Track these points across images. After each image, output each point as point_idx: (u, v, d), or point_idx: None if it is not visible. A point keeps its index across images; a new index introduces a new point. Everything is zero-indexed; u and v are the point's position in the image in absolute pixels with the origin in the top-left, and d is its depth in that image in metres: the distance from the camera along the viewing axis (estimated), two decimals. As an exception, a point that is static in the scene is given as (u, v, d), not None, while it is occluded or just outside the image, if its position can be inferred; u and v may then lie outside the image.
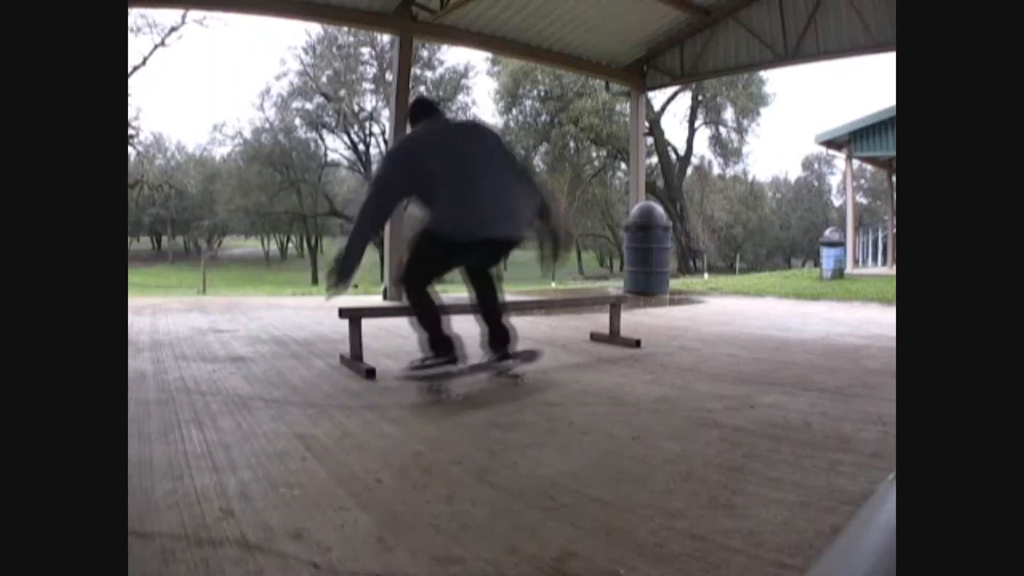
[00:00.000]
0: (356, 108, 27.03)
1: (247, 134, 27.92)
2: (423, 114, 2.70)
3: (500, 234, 2.49)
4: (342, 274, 2.44)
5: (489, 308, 2.70)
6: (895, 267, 11.19)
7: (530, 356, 2.78)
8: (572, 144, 26.30)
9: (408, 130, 2.77)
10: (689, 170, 27.30)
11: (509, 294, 3.09)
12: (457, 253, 2.53)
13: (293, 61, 29.87)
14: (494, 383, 2.68)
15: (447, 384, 2.50)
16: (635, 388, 2.62)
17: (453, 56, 27.99)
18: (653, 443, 1.87)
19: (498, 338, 2.69)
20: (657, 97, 22.84)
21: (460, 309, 2.76)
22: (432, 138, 2.58)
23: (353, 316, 3.03)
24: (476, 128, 2.76)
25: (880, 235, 14.16)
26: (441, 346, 2.51)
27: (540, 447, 1.84)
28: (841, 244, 10.94)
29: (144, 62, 22.27)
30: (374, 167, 27.18)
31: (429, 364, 2.48)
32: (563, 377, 2.86)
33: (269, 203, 27.57)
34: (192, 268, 28.15)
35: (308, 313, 5.40)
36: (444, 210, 2.43)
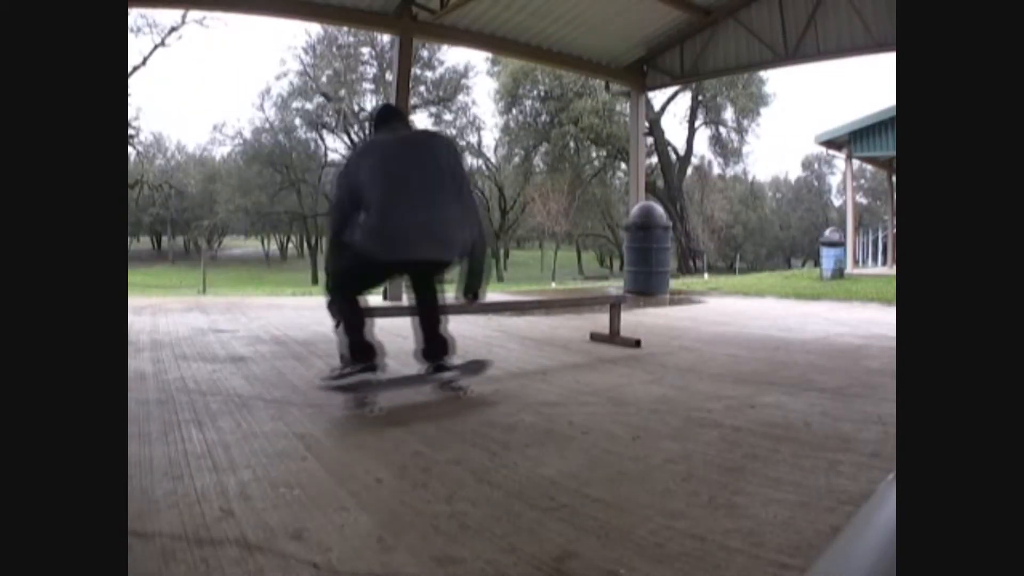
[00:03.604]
0: (356, 108, 27.03)
1: (247, 134, 27.96)
2: (381, 122, 2.59)
3: (426, 256, 2.38)
4: (332, 276, 2.44)
5: (425, 317, 2.57)
6: (895, 267, 11.19)
7: (476, 367, 2.65)
8: (572, 144, 26.29)
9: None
10: (689, 170, 27.28)
11: (509, 294, 3.08)
12: (381, 272, 2.55)
13: (293, 61, 29.84)
14: (437, 395, 2.53)
15: (372, 395, 2.33)
16: (635, 388, 2.62)
17: (453, 56, 27.98)
18: (653, 443, 1.87)
19: (434, 349, 2.55)
20: (657, 97, 22.84)
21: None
22: (370, 152, 2.50)
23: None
24: (426, 142, 2.56)
25: (880, 235, 14.15)
26: (361, 353, 2.37)
27: (540, 447, 1.84)
28: (841, 244, 10.94)
29: (144, 62, 22.28)
30: (374, 167, 27.19)
31: (348, 372, 2.35)
32: (563, 377, 2.86)
33: (269, 203, 27.58)
34: (192, 268, 28.15)
35: (308, 313, 5.40)
36: (369, 228, 2.31)
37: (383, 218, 2.30)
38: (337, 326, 2.43)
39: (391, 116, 2.64)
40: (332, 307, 2.44)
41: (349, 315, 2.41)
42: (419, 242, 2.34)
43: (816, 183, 37.48)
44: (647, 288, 6.87)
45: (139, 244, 37.44)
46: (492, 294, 8.57)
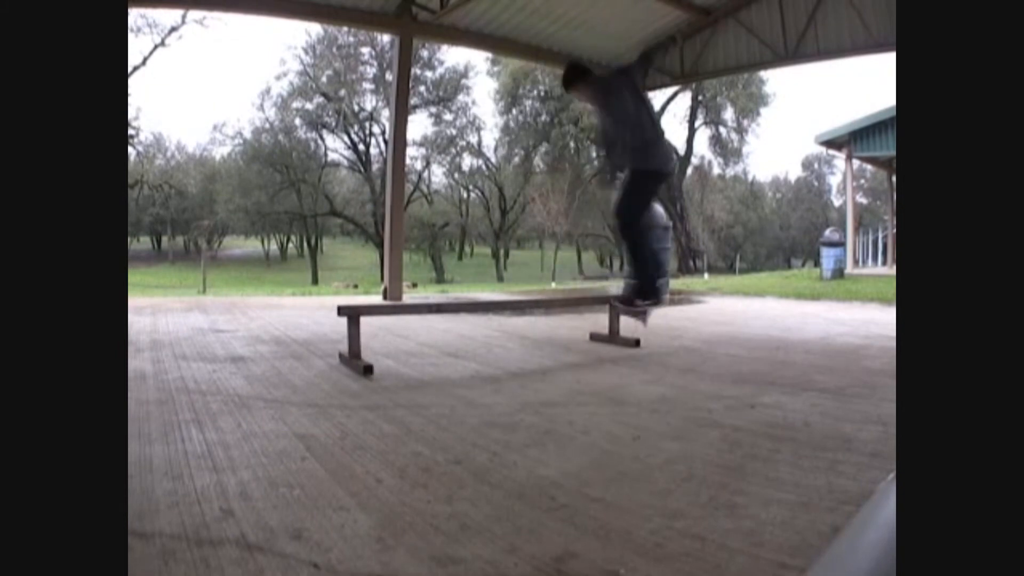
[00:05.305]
0: (356, 108, 27.03)
1: (247, 134, 27.89)
2: (587, 72, 3.12)
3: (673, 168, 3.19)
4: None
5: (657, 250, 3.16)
6: (895, 267, 11.18)
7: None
8: (572, 144, 26.31)
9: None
10: (689, 170, 27.28)
11: (509, 294, 3.10)
12: (656, 186, 3.11)
13: (293, 61, 29.78)
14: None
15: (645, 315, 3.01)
16: (635, 388, 2.62)
17: (453, 56, 27.96)
18: (653, 443, 1.87)
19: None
20: (657, 97, 22.82)
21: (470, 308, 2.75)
22: (620, 87, 3.06)
23: (351, 314, 3.03)
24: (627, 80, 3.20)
25: (880, 235, 14.15)
26: (655, 290, 2.94)
27: (540, 447, 1.84)
28: (841, 244, 10.94)
29: (144, 62, 22.25)
30: (374, 167, 27.22)
31: (647, 305, 2.96)
32: (563, 377, 2.86)
33: (269, 203, 27.53)
34: (192, 268, 28.15)
35: (308, 313, 5.40)
36: (653, 147, 2.93)
37: (655, 136, 2.96)
38: (637, 262, 2.93)
39: (590, 71, 3.20)
40: (629, 233, 2.94)
41: (650, 252, 2.94)
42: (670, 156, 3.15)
43: (816, 183, 37.46)
44: (647, 288, 6.85)
45: (139, 244, 37.41)
46: (492, 294, 8.57)
